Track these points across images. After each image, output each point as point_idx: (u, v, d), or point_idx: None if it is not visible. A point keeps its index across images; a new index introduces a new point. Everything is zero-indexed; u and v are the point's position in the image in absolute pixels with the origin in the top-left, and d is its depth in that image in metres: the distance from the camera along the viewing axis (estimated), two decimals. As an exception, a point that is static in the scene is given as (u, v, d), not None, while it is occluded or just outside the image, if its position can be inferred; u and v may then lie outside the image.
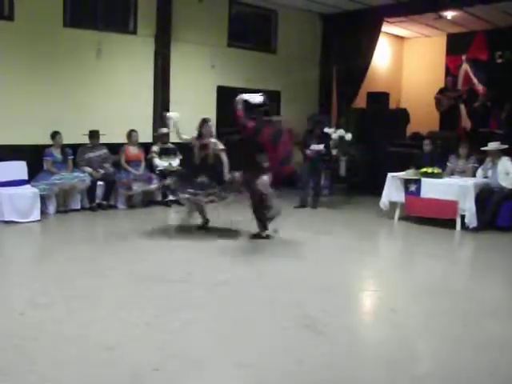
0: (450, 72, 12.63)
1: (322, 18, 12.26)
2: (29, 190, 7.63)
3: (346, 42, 11.91)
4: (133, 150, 8.96)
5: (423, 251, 6.90)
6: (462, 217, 7.77)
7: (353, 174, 10.93)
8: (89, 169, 8.47)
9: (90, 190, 8.37)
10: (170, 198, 8.53)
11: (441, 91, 11.82)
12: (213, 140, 7.07)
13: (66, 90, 8.62)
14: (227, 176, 6.94)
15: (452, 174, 8.48)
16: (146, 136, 9.50)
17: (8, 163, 7.80)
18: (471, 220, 7.68)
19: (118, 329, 3.99)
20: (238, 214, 7.45)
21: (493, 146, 8.12)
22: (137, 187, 8.69)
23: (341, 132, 10.19)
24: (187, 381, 3.30)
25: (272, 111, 7.13)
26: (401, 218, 8.45)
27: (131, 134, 8.94)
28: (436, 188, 7.98)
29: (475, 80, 11.53)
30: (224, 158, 6.99)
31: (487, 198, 7.83)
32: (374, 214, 8.79)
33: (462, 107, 11.53)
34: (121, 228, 7.25)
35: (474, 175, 8.30)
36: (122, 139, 8.91)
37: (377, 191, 8.83)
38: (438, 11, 11.06)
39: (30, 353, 3.55)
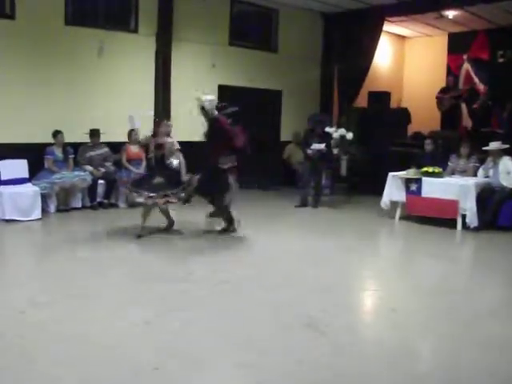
0: (452, 71, 12.61)
1: (323, 17, 12.25)
2: (30, 189, 7.64)
3: (348, 42, 11.89)
4: (134, 149, 8.96)
5: (424, 251, 6.89)
6: (463, 216, 7.76)
7: (354, 174, 10.92)
8: (90, 167, 8.47)
9: (91, 189, 8.38)
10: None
11: (442, 91, 11.81)
12: (169, 140, 6.93)
13: (67, 88, 8.62)
14: (185, 177, 6.86)
15: (453, 173, 8.47)
16: (147, 135, 9.47)
17: (9, 162, 7.81)
18: (472, 220, 7.68)
19: (118, 328, 3.99)
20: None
21: (494, 145, 8.11)
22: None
23: (342, 131, 10.19)
24: (187, 380, 3.30)
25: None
26: (402, 218, 8.45)
27: (132, 132, 8.94)
28: (437, 187, 7.97)
29: (476, 79, 11.51)
30: (181, 157, 6.93)
31: (488, 197, 7.82)
32: (374, 213, 8.78)
33: (464, 107, 11.53)
34: (122, 227, 7.25)
35: (475, 175, 8.29)
36: (123, 138, 8.90)
37: (378, 191, 8.83)
38: (439, 10, 11.05)
39: (30, 352, 3.56)
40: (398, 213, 8.46)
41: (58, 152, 8.24)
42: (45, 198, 7.82)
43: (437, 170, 8.15)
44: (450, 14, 11.29)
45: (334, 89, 12.50)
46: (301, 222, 8.45)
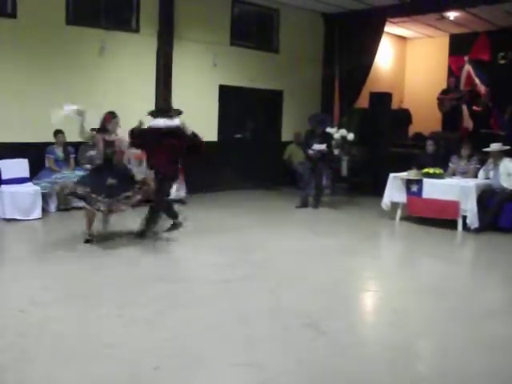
0: (453, 73, 12.60)
1: (324, 17, 12.24)
2: (30, 188, 7.64)
3: (349, 42, 11.90)
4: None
5: (424, 251, 6.89)
6: (464, 218, 7.76)
7: (354, 174, 10.92)
8: (90, 167, 8.46)
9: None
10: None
11: (443, 92, 11.81)
12: (118, 137, 6.38)
13: (69, 88, 8.60)
14: (138, 176, 6.43)
15: (454, 174, 8.47)
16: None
17: (10, 161, 7.82)
18: (473, 221, 7.67)
19: (118, 327, 3.99)
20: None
21: (495, 147, 8.11)
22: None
23: (343, 132, 10.18)
24: (187, 379, 3.30)
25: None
26: (402, 219, 8.45)
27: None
28: (438, 188, 7.97)
29: (477, 81, 11.50)
30: (130, 155, 6.47)
31: (489, 198, 7.82)
32: (375, 214, 8.78)
33: (464, 108, 11.52)
34: (122, 226, 7.24)
35: (475, 176, 8.29)
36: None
37: (378, 191, 8.83)
38: (440, 12, 11.05)
39: (30, 350, 3.55)
40: (399, 214, 8.46)
41: (59, 151, 8.25)
42: (45, 197, 7.83)
43: (438, 171, 8.15)
44: (452, 15, 11.29)
45: (334, 89, 12.49)
46: (301, 222, 8.44)
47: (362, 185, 10.85)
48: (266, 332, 4.01)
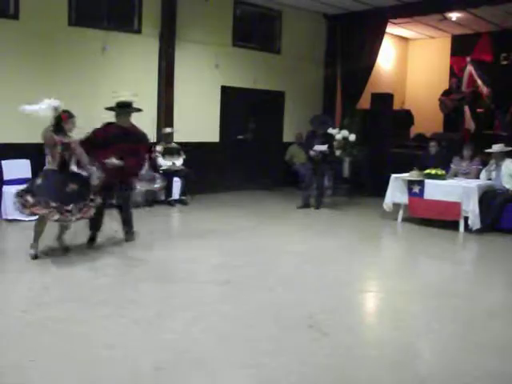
0: (455, 73, 12.60)
1: (326, 18, 12.25)
2: (32, 189, 7.63)
3: (351, 43, 11.91)
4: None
5: (426, 252, 6.88)
6: (466, 218, 7.75)
7: (356, 175, 10.92)
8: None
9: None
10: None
11: (445, 93, 11.80)
12: (73, 138, 5.95)
13: (71, 89, 8.60)
14: (95, 180, 5.97)
15: (456, 175, 8.47)
16: (149, 135, 9.47)
17: (12, 161, 7.84)
18: (474, 222, 7.67)
19: (119, 328, 3.99)
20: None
21: (497, 147, 8.11)
22: (140, 187, 8.68)
23: (344, 133, 10.20)
24: (188, 380, 3.30)
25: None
26: (404, 220, 8.45)
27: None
28: (439, 189, 7.97)
29: (479, 82, 11.49)
30: (85, 159, 5.95)
31: (491, 199, 7.81)
32: (377, 215, 8.78)
33: (466, 109, 11.51)
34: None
35: (477, 177, 8.29)
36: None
37: (380, 192, 8.83)
38: (442, 12, 11.05)
39: (31, 351, 3.56)
40: (401, 214, 8.45)
41: (61, 152, 8.23)
42: (47, 197, 7.82)
43: (439, 172, 8.14)
44: (454, 15, 11.29)
45: (336, 90, 12.50)
46: (303, 222, 8.44)
47: (364, 186, 10.85)
48: (267, 333, 4.01)
